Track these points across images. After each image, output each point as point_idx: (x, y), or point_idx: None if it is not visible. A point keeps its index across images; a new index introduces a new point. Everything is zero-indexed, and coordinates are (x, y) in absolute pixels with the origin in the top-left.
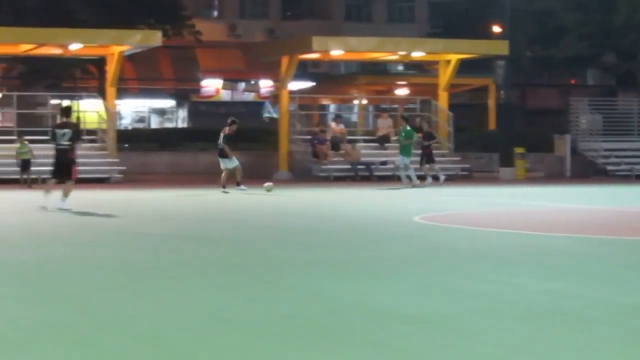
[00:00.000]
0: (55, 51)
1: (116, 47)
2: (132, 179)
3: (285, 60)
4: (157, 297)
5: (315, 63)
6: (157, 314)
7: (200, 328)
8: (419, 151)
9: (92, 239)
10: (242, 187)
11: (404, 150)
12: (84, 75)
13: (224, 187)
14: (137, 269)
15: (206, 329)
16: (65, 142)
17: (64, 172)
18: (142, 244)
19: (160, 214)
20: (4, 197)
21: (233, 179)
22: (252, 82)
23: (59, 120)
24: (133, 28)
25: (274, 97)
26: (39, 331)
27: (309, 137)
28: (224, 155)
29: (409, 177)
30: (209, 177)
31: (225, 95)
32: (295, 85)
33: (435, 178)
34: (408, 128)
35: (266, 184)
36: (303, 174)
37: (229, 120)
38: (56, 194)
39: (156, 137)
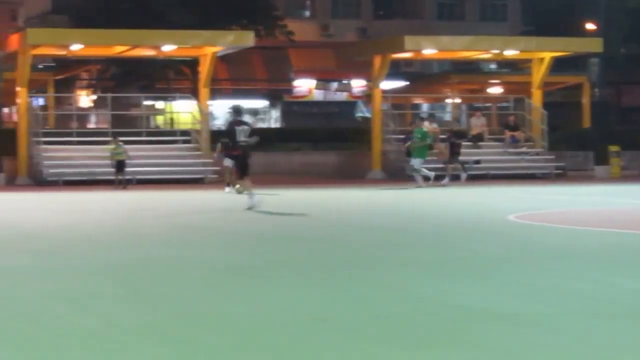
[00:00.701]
0: (149, 53)
1: (209, 48)
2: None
3: (377, 60)
4: (253, 296)
5: (407, 62)
6: (253, 314)
7: (295, 327)
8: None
9: (189, 239)
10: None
11: (419, 151)
12: (177, 77)
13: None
14: (233, 269)
15: (302, 329)
16: (244, 139)
17: (245, 168)
18: (239, 243)
19: (253, 214)
20: (99, 197)
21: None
22: (345, 81)
23: (232, 119)
24: (226, 29)
25: (367, 97)
26: (136, 331)
27: (402, 136)
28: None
29: (426, 177)
30: (302, 177)
31: (318, 95)
32: (387, 84)
33: (456, 177)
34: (424, 129)
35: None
36: (396, 174)
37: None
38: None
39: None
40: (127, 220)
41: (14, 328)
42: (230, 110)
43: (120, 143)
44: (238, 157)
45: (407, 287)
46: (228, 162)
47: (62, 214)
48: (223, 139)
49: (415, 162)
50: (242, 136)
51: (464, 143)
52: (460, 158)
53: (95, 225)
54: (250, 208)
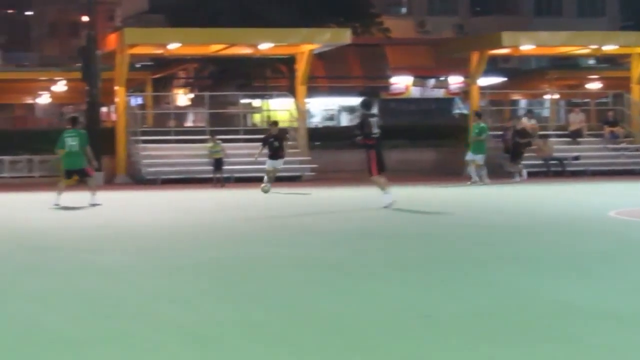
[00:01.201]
0: (246, 51)
1: (306, 45)
2: (323, 177)
3: (475, 56)
4: (355, 294)
5: (505, 58)
6: (355, 311)
7: (398, 324)
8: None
9: (289, 237)
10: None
11: (476, 147)
12: (274, 75)
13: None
14: (334, 267)
15: (405, 325)
16: (377, 131)
17: (383, 163)
18: (339, 241)
19: (349, 211)
20: (198, 196)
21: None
22: (442, 78)
23: (359, 112)
24: (323, 27)
25: (464, 93)
26: (238, 330)
27: (499, 132)
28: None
29: (480, 175)
30: (399, 174)
31: (415, 92)
32: (485, 80)
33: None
34: (482, 124)
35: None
36: (494, 170)
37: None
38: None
39: (346, 135)
40: (227, 219)
41: (117, 326)
42: (361, 104)
43: (219, 141)
44: (374, 148)
45: (509, 283)
46: (270, 164)
47: (162, 213)
48: (356, 132)
49: (479, 157)
50: (375, 128)
51: (559, 139)
52: (559, 154)
53: (195, 224)
54: (387, 206)
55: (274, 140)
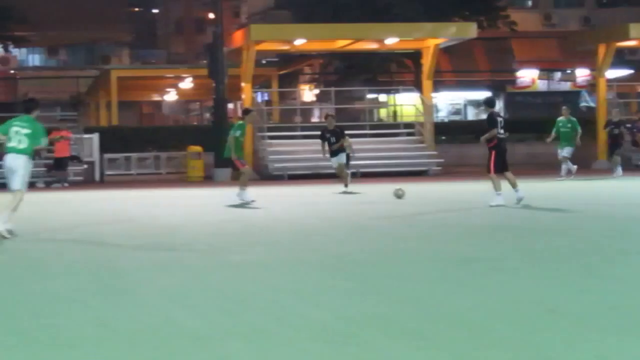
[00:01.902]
0: (371, 46)
1: (432, 40)
2: (449, 171)
3: (601, 49)
4: (483, 287)
5: (632, 50)
6: (483, 305)
7: (526, 318)
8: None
9: (416, 231)
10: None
11: (565, 140)
12: (399, 69)
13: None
14: (462, 261)
15: (533, 320)
16: (503, 133)
17: (506, 162)
18: (467, 235)
19: (477, 206)
20: (324, 191)
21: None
22: (568, 71)
23: (484, 109)
24: (448, 21)
25: (591, 86)
26: (368, 324)
27: (628, 125)
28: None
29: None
30: (527, 168)
31: (541, 85)
32: (612, 73)
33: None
34: (572, 118)
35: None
36: (623, 163)
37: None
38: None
39: (473, 129)
40: (355, 214)
41: (247, 321)
42: (485, 103)
43: (346, 137)
44: (496, 149)
45: (637, 278)
46: (333, 162)
47: (288, 208)
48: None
49: (567, 150)
50: (500, 128)
51: None
52: None
53: (323, 218)
54: (518, 201)
55: (330, 135)
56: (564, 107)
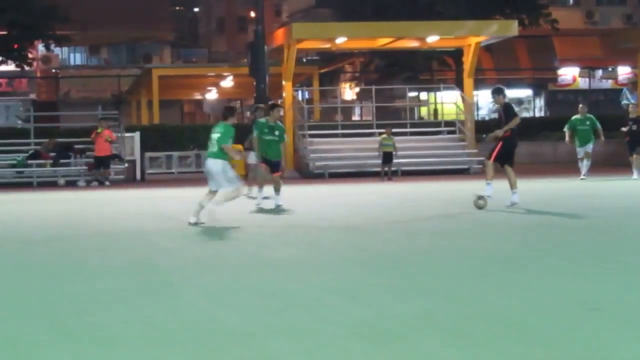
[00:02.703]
0: (413, 44)
1: (473, 38)
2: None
3: None
4: (525, 286)
5: None
6: (525, 303)
7: (569, 317)
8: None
9: (457, 229)
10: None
11: (582, 139)
12: (441, 67)
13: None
14: (504, 259)
15: (576, 318)
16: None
17: (512, 159)
18: (509, 233)
19: (520, 203)
20: (366, 189)
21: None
22: (610, 69)
23: (497, 99)
24: (489, 19)
25: (633, 84)
26: (410, 322)
27: None
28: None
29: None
30: (569, 166)
31: (583, 83)
32: None
33: None
34: (589, 115)
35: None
36: None
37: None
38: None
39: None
40: (396, 212)
41: (289, 319)
42: (498, 92)
43: (391, 135)
44: (509, 142)
45: None
46: (253, 159)
47: (329, 206)
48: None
49: (589, 147)
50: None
51: None
52: None
53: (363, 217)
54: (511, 205)
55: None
56: (580, 105)
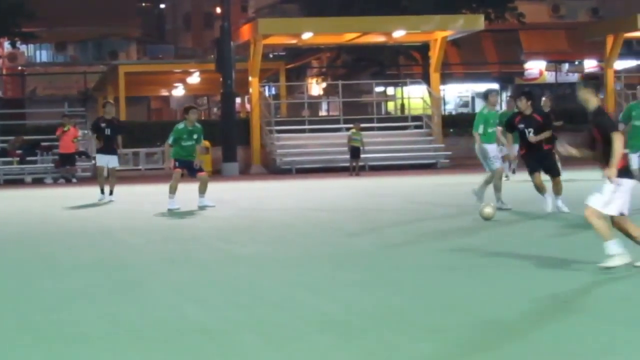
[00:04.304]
0: (379, 39)
1: (440, 32)
2: (458, 164)
3: (610, 40)
4: (493, 281)
5: None
6: (495, 298)
7: (540, 311)
8: None
9: (425, 223)
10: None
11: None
12: (407, 62)
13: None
14: (473, 253)
15: (546, 312)
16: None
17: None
18: (475, 229)
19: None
20: (334, 185)
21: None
22: (577, 62)
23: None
24: (456, 13)
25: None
26: (377, 317)
27: None
28: None
29: None
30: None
31: (550, 77)
32: (620, 64)
33: None
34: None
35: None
36: None
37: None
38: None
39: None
40: (364, 207)
41: (258, 314)
42: (528, 95)
43: (360, 130)
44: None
45: None
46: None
47: (296, 202)
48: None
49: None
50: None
51: None
52: None
53: (330, 212)
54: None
55: (106, 126)
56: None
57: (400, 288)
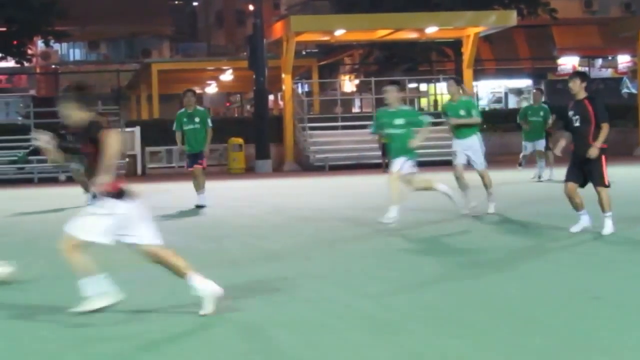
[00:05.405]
0: (412, 35)
1: (472, 28)
2: (491, 159)
3: None
4: (529, 275)
5: None
6: (525, 294)
7: (569, 305)
8: None
9: (461, 222)
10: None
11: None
12: (440, 58)
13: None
14: (509, 251)
15: (575, 306)
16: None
17: None
18: (515, 228)
19: (518, 197)
20: (366, 181)
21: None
22: (610, 58)
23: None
24: (488, 9)
25: (632, 72)
26: (410, 314)
27: None
28: None
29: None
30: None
31: None
32: None
33: None
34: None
35: None
36: None
37: None
38: None
39: (514, 117)
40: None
41: (292, 311)
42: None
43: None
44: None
45: None
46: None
47: (330, 198)
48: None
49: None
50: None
51: None
52: None
53: (365, 209)
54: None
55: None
56: (533, 91)
57: (433, 285)
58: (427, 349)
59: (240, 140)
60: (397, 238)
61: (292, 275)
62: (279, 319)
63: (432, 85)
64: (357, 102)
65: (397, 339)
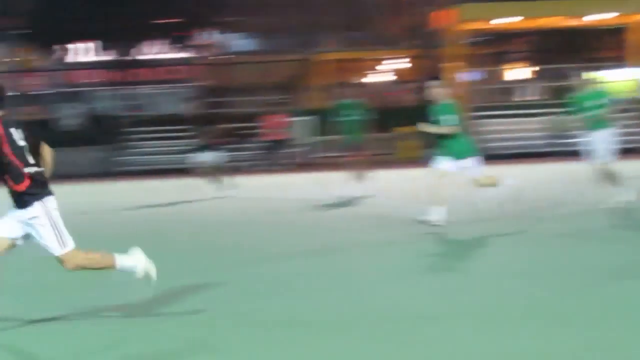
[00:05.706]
0: (580, 22)
1: None
2: None
3: None
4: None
5: None
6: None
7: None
8: None
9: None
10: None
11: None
12: (608, 45)
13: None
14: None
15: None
16: None
17: None
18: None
19: None
20: (543, 170)
21: None
22: None
23: None
24: None
25: None
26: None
27: None
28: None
29: None
30: None
31: None
32: None
33: None
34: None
35: None
36: None
37: None
38: None
39: None
40: (567, 193)
41: (469, 301)
42: None
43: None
44: None
45: None
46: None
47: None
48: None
49: None
50: None
51: None
52: None
53: (536, 199)
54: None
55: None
56: None
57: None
58: (549, 344)
59: (413, 129)
60: (569, 224)
61: (466, 263)
62: (455, 309)
63: (602, 73)
64: (526, 91)
65: (566, 330)
